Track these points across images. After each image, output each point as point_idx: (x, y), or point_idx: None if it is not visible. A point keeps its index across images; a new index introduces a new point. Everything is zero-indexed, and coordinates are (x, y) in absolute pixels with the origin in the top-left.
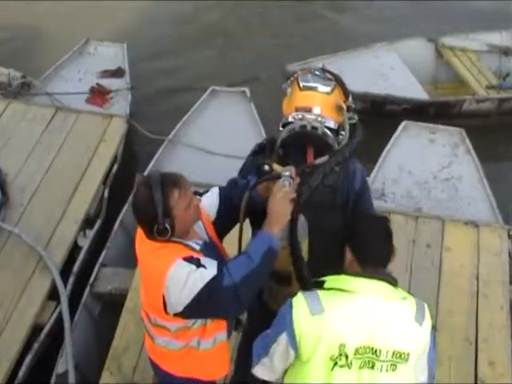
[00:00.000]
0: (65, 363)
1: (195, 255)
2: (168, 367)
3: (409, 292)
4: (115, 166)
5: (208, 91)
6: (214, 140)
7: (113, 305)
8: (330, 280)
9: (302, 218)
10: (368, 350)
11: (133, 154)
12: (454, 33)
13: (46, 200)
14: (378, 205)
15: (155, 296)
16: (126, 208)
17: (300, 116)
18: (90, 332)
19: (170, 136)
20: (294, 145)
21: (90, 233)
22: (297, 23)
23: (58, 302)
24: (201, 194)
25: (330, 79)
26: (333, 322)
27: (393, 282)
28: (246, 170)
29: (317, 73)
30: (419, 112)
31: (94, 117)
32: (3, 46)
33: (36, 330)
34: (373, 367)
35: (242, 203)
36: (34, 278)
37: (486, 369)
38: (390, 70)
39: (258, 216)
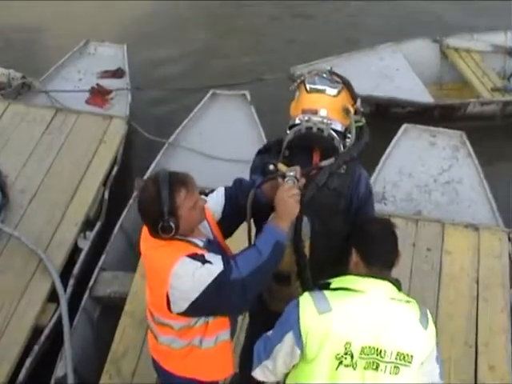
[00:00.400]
0: (64, 366)
1: (199, 252)
2: (170, 366)
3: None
4: (115, 168)
5: (208, 94)
6: (215, 143)
7: (112, 308)
8: (337, 281)
9: (304, 219)
10: (373, 351)
11: (133, 155)
12: (458, 33)
13: (46, 202)
14: (378, 208)
15: (159, 294)
16: (126, 212)
17: (306, 118)
18: (89, 335)
19: (171, 139)
20: (300, 146)
21: (90, 235)
22: (301, 24)
23: (58, 305)
24: (206, 194)
25: (337, 82)
26: (340, 321)
27: (397, 285)
28: (253, 170)
29: (324, 75)
30: (424, 115)
31: (94, 118)
32: (3, 46)
33: (36, 332)
34: (377, 368)
35: (247, 202)
36: (34, 280)
37: (486, 372)
38: (395, 71)
39: (263, 215)
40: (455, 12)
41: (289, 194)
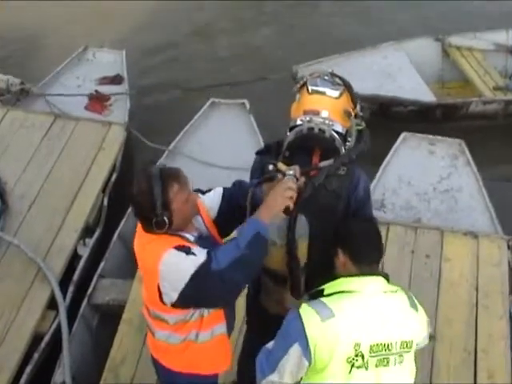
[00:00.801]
0: (62, 374)
1: (187, 244)
2: (168, 362)
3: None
4: (114, 174)
5: (208, 103)
6: (214, 152)
7: (111, 316)
8: (329, 286)
9: (303, 219)
10: (381, 347)
11: (132, 162)
12: (460, 32)
13: (45, 208)
14: (377, 215)
15: (151, 287)
16: (125, 220)
17: (308, 118)
18: (87, 343)
19: (170, 147)
20: (301, 147)
21: (90, 241)
22: (303, 23)
23: (58, 312)
24: (203, 193)
25: (338, 84)
26: (345, 324)
27: (386, 277)
28: (253, 171)
29: (326, 77)
30: (426, 113)
31: (93, 124)
32: (2, 52)
33: (36, 339)
34: (388, 363)
35: (246, 201)
36: (34, 288)
37: (485, 379)
38: (397, 70)
39: None
40: (457, 11)
41: (284, 188)
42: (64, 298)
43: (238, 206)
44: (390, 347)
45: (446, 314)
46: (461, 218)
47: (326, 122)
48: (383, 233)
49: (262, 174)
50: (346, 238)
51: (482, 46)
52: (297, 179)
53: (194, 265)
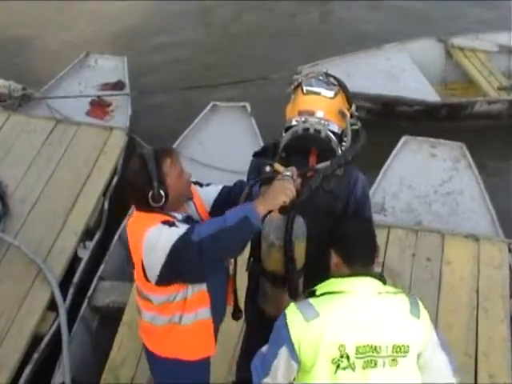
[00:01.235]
0: (62, 375)
1: (172, 220)
2: (153, 346)
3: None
4: (115, 178)
5: (209, 106)
6: (215, 155)
7: (110, 318)
8: (320, 287)
9: (300, 220)
10: (368, 349)
11: None
12: (463, 33)
13: (46, 211)
14: (378, 219)
15: (137, 263)
16: (125, 222)
17: (303, 119)
18: (87, 345)
19: None
20: (297, 148)
21: (90, 244)
22: (306, 23)
23: (58, 313)
24: (202, 186)
25: (333, 84)
26: (329, 325)
27: (381, 279)
28: (250, 172)
29: (320, 77)
30: (431, 113)
31: (94, 129)
32: (4, 58)
33: (36, 340)
34: (376, 365)
35: (240, 200)
36: (34, 289)
37: (485, 382)
38: (401, 71)
39: None
40: (459, 12)
41: (285, 185)
42: (64, 299)
43: (233, 203)
44: (378, 349)
45: (447, 318)
46: (462, 221)
47: (322, 122)
48: (384, 236)
49: (259, 175)
50: (338, 238)
51: (486, 47)
52: (293, 180)
53: (174, 236)
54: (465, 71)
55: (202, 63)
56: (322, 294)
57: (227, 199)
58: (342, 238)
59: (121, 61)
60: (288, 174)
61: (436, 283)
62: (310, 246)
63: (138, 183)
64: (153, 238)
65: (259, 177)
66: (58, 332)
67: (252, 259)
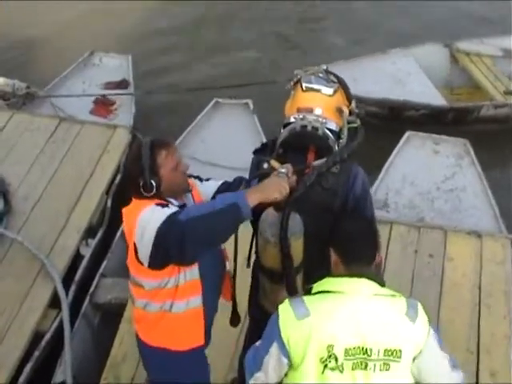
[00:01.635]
0: (63, 372)
1: (166, 203)
2: (144, 335)
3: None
4: (118, 176)
5: (211, 103)
6: (217, 152)
7: (112, 315)
8: (316, 285)
9: (297, 217)
10: (359, 351)
11: None
12: (468, 38)
13: (48, 209)
14: (380, 215)
15: (131, 246)
16: None
17: (301, 116)
18: (88, 341)
19: None
20: (295, 145)
21: (92, 242)
22: (310, 28)
23: (59, 311)
24: (202, 180)
25: (333, 81)
26: (319, 324)
27: (379, 280)
28: (250, 169)
29: (320, 75)
30: (437, 118)
31: (98, 127)
32: (8, 56)
33: (37, 337)
34: (366, 367)
35: None
36: (36, 286)
37: (487, 379)
38: (407, 75)
39: (256, 213)
40: (464, 17)
41: (279, 180)
42: (66, 297)
43: None
44: (369, 352)
45: (449, 314)
46: (464, 218)
47: (320, 119)
48: (386, 232)
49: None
50: (337, 237)
51: (491, 52)
52: (288, 177)
53: (164, 215)
54: (471, 76)
55: (206, 61)
56: (317, 293)
57: None
58: (340, 237)
59: (125, 59)
60: (283, 171)
61: (438, 280)
62: (308, 242)
63: (131, 171)
64: (145, 218)
65: (256, 172)
66: (58, 330)
67: (255, 256)
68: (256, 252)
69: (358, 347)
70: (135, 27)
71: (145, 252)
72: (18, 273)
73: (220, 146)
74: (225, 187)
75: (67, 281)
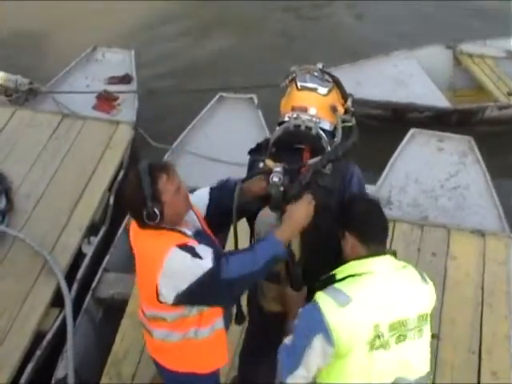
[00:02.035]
0: (65, 367)
1: (189, 243)
2: (167, 362)
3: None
4: (121, 173)
5: (215, 98)
6: (221, 147)
7: (114, 310)
8: (340, 271)
9: None
10: (399, 324)
11: (139, 161)
12: (470, 39)
13: (50, 206)
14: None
15: (150, 284)
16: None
17: (295, 115)
18: (90, 336)
19: (176, 144)
20: (287, 143)
21: (95, 240)
22: (313, 30)
23: (61, 309)
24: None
25: (328, 81)
26: (362, 307)
27: (394, 254)
28: (248, 170)
29: (315, 73)
30: (441, 119)
31: (101, 123)
32: (11, 52)
33: (38, 336)
34: (405, 339)
35: (233, 201)
36: (38, 285)
37: (489, 379)
38: (410, 77)
39: (252, 213)
40: (467, 18)
41: (302, 207)
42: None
43: (224, 205)
44: (407, 323)
45: (451, 313)
46: (468, 216)
47: (314, 119)
48: (389, 230)
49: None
50: (351, 219)
51: (494, 53)
52: (283, 176)
53: (201, 269)
54: (474, 77)
55: (210, 56)
56: (343, 278)
57: (219, 205)
58: (355, 219)
59: (128, 54)
60: (278, 169)
61: (441, 278)
62: (305, 240)
63: (132, 200)
64: (175, 267)
65: (250, 173)
66: (60, 328)
67: None
68: None
69: (398, 320)
70: (138, 21)
71: (167, 297)
72: (20, 271)
73: (224, 141)
74: (216, 193)
75: (69, 279)
